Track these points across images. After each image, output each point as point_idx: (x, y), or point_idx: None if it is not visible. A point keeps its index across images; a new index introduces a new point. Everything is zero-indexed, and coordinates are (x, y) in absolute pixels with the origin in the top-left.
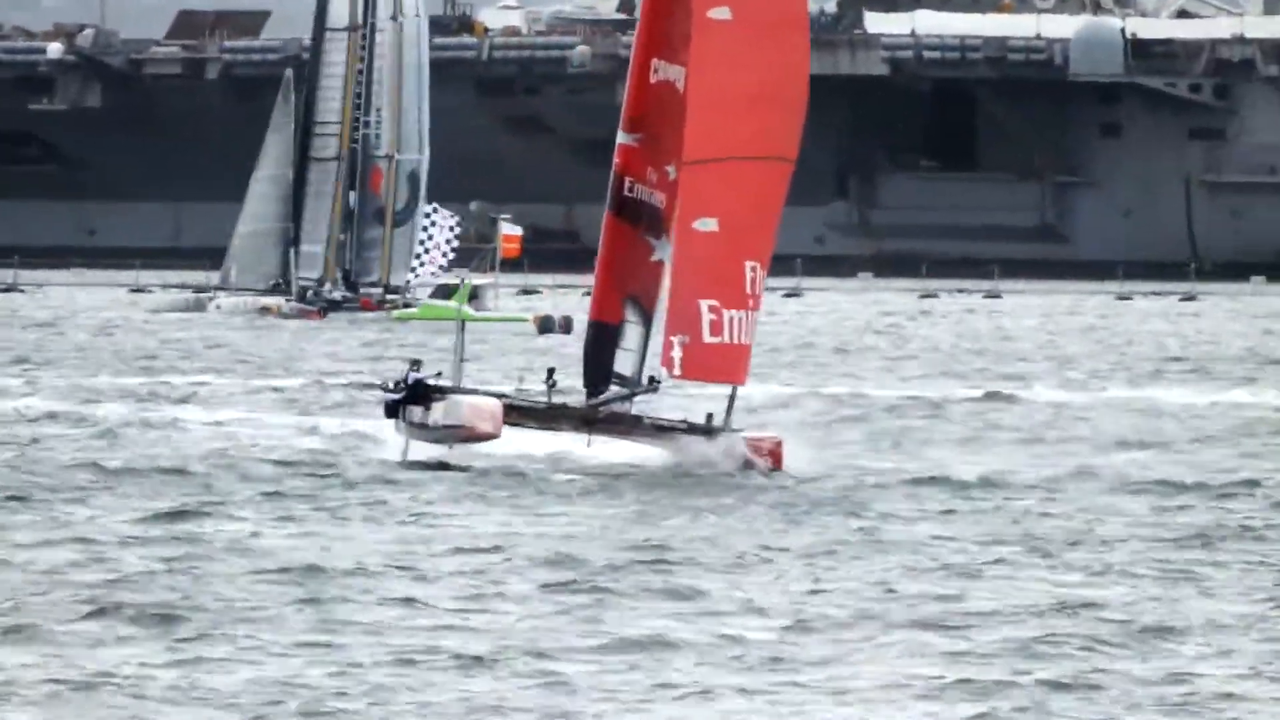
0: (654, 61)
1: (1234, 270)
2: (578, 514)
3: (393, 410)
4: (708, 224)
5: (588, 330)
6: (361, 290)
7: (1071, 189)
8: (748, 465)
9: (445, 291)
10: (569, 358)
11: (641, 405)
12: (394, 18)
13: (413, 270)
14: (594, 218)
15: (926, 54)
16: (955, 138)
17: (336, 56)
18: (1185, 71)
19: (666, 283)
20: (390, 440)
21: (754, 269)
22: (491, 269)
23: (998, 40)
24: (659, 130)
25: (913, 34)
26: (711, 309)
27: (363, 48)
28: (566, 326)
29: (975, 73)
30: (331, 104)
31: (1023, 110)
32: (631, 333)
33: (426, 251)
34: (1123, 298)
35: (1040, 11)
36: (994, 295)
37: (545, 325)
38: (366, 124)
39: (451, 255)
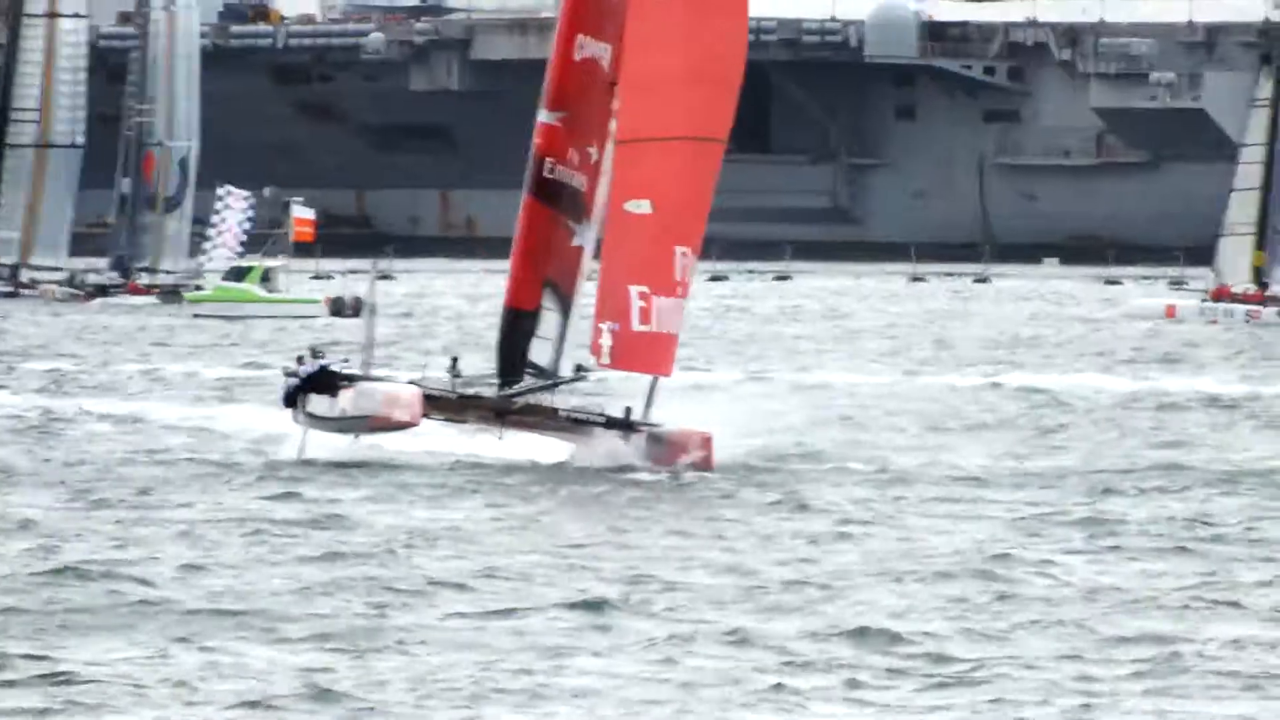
0: (579, 37)
1: (1026, 252)
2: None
3: (292, 399)
4: (640, 205)
5: (503, 317)
6: (133, 275)
7: (866, 171)
8: (671, 464)
9: (238, 273)
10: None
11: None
12: (166, 7)
13: (205, 253)
14: (385, 203)
15: None
16: (749, 120)
17: (34, 44)
18: (979, 54)
19: (588, 267)
20: (288, 434)
21: (684, 254)
22: (284, 253)
23: (792, 22)
24: (582, 109)
25: None
26: (641, 296)
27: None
28: (357, 308)
29: (769, 55)
30: (30, 90)
31: (817, 92)
32: (549, 320)
33: (220, 234)
34: (916, 279)
35: None
36: (784, 277)
37: (337, 307)
38: (141, 111)
39: (245, 238)
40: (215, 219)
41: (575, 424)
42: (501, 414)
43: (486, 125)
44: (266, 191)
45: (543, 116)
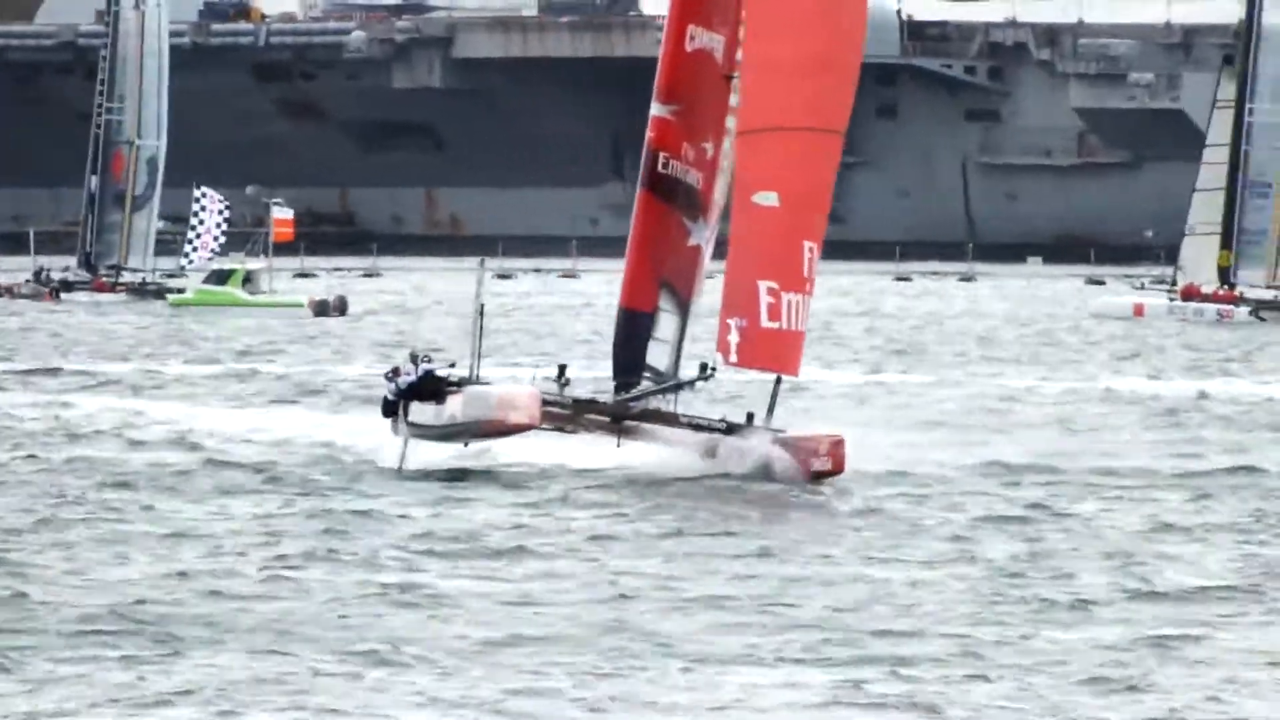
0: (689, 28)
1: (1010, 251)
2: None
3: (392, 408)
4: (768, 198)
5: (618, 318)
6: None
7: (849, 170)
8: (796, 470)
9: (220, 276)
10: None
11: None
12: (137, 6)
13: (186, 255)
14: (368, 201)
15: None
16: None
17: None
18: (960, 54)
19: (705, 269)
20: (386, 444)
21: (811, 250)
22: (265, 254)
23: None
24: (695, 102)
25: None
26: (770, 292)
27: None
28: (342, 308)
29: None
30: None
31: None
32: (666, 322)
33: (198, 236)
34: (901, 278)
35: None
36: None
37: (321, 308)
38: (110, 110)
39: (223, 239)
40: (194, 220)
41: (697, 430)
42: (619, 420)
43: (470, 123)
44: (249, 190)
45: (655, 110)
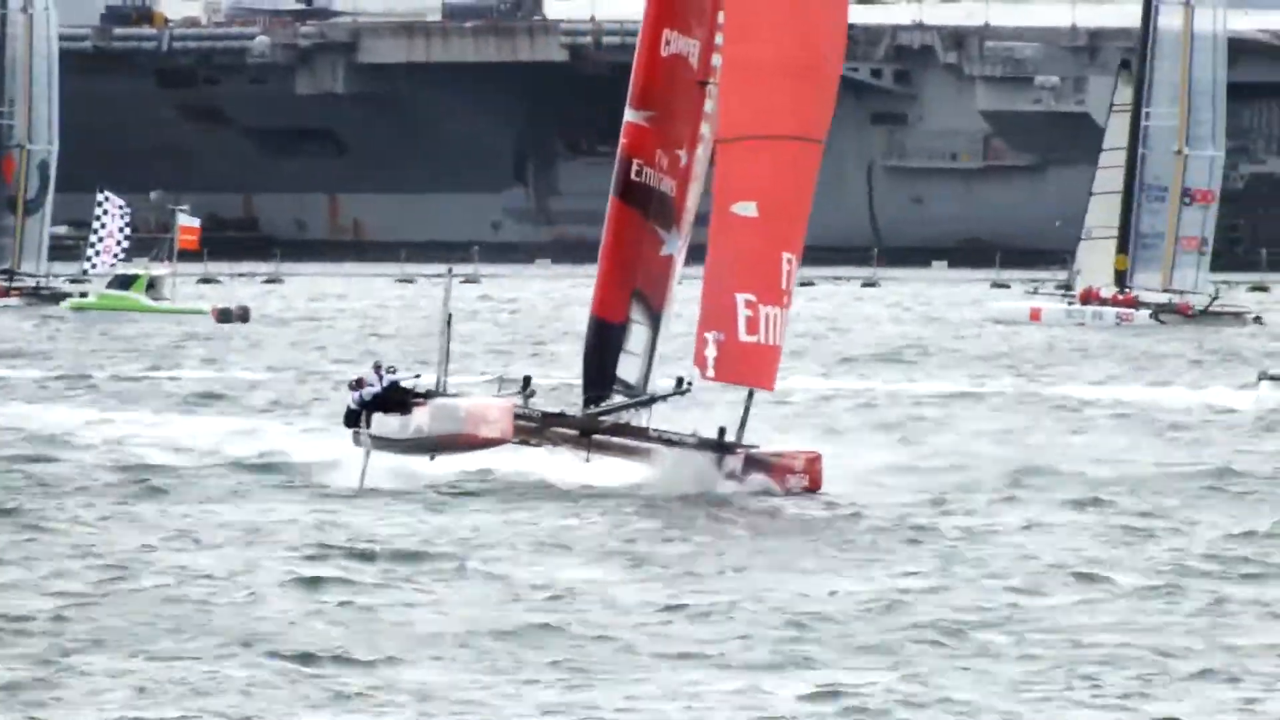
0: (665, 32)
1: (915, 255)
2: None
3: (354, 419)
4: (746, 208)
5: (589, 328)
6: None
7: None
8: (777, 487)
9: (123, 281)
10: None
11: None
12: (25, 9)
13: (89, 260)
14: (272, 206)
15: (606, 39)
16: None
17: None
18: (867, 57)
19: (677, 279)
20: (343, 461)
21: (790, 262)
22: (169, 260)
23: None
24: (670, 108)
25: (592, 20)
26: (748, 304)
27: None
28: (244, 316)
29: None
30: None
31: None
32: (637, 334)
33: (100, 241)
34: (805, 283)
35: None
36: None
37: (224, 315)
38: (0, 114)
39: (126, 244)
40: (96, 225)
41: (667, 445)
42: (588, 434)
43: (373, 128)
44: (153, 195)
45: (629, 115)
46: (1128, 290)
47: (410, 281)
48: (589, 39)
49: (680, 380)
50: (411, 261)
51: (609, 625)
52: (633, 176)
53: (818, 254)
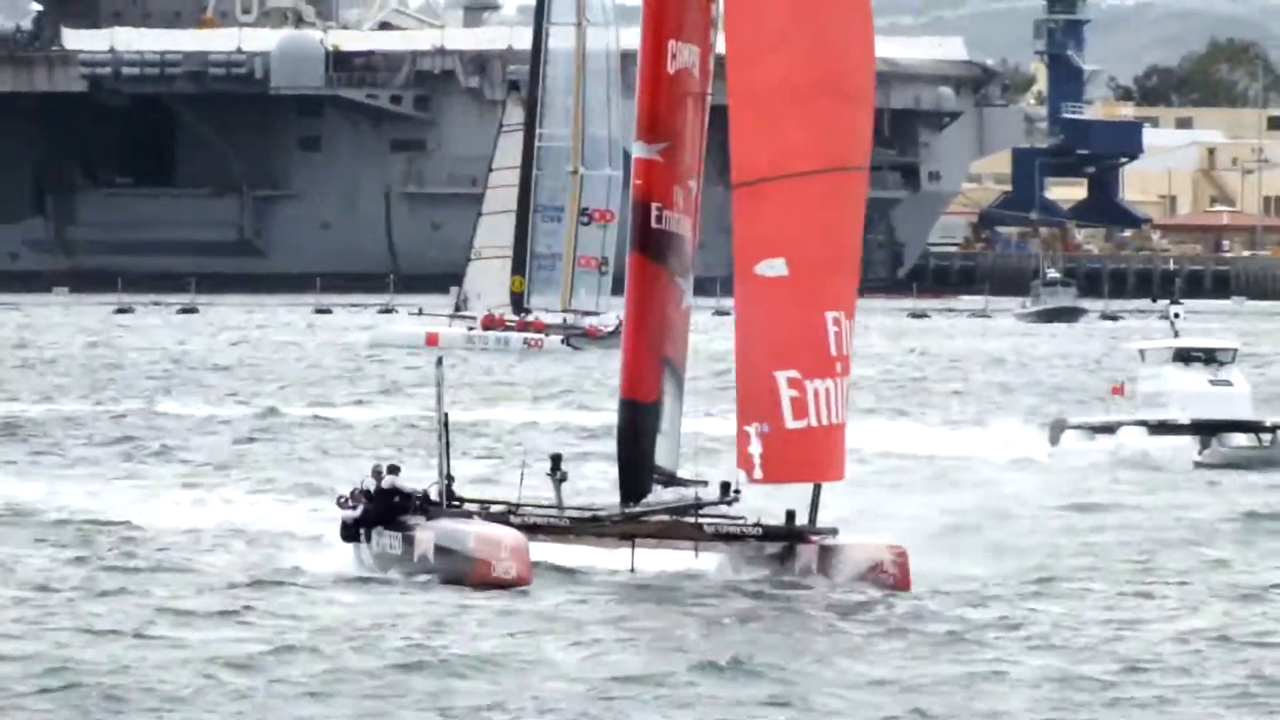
0: (670, 44)
1: (434, 282)
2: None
3: (353, 532)
4: (773, 266)
5: (620, 413)
6: None
7: (271, 202)
8: (863, 579)
9: None
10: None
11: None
12: None
13: None
14: None
15: (125, 70)
16: (154, 154)
17: None
18: (386, 84)
19: (689, 343)
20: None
21: (838, 321)
22: None
23: (198, 55)
24: (682, 135)
25: (112, 50)
26: (791, 383)
27: None
28: None
29: (175, 88)
30: None
31: (223, 125)
32: (669, 411)
33: None
34: (321, 310)
35: (242, 25)
36: (190, 310)
37: None
38: None
39: None
40: None
41: (726, 539)
42: (631, 538)
43: None
44: None
45: (639, 151)
46: (525, 312)
47: None
48: (108, 70)
49: (726, 486)
50: None
51: None
52: (653, 224)
53: (334, 281)
